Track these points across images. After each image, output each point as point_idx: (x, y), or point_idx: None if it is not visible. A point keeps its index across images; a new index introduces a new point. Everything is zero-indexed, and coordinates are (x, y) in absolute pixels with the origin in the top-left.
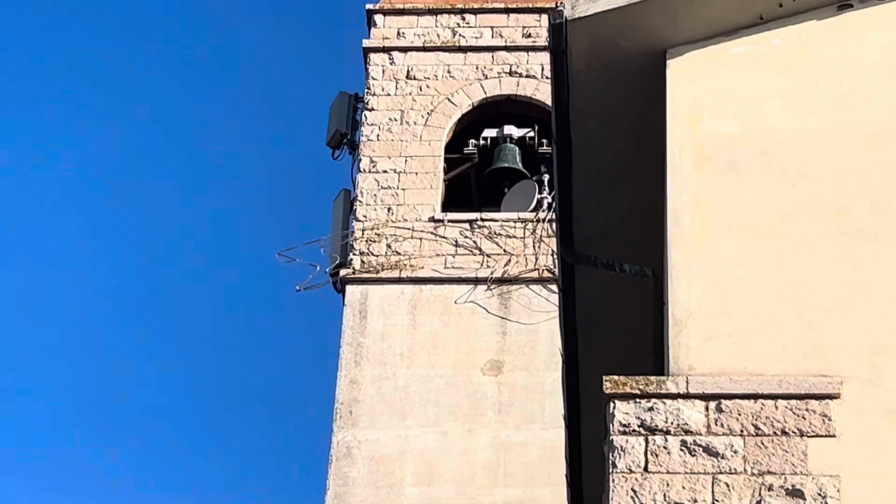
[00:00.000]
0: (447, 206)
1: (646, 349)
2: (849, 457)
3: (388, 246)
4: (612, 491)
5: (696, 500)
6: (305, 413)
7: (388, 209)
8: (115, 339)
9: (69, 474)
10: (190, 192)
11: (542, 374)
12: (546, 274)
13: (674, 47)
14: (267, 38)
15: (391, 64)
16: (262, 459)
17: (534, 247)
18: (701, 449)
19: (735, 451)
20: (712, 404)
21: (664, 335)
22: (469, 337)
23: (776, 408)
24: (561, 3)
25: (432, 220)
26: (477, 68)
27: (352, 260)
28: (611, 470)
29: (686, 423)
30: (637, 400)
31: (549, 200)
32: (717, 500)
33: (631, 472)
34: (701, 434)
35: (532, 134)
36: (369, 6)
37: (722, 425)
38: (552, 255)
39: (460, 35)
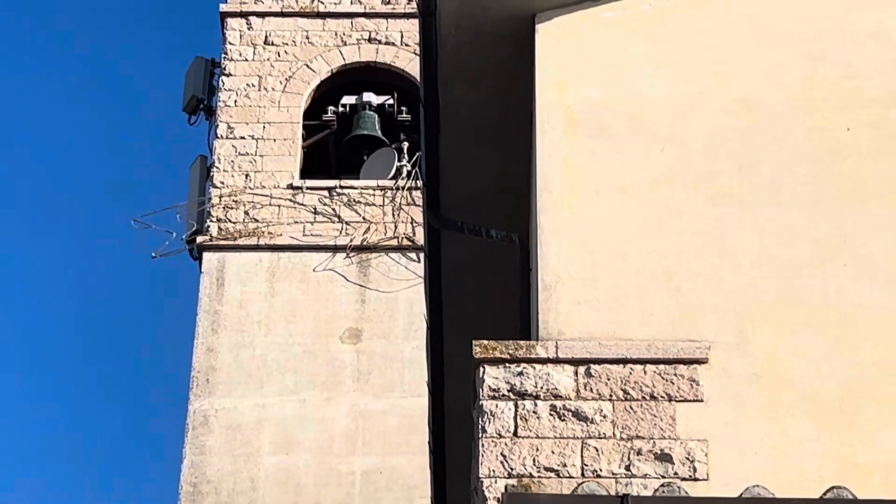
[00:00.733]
0: (306, 173)
1: (512, 315)
2: (716, 421)
3: (246, 213)
4: (482, 455)
5: (565, 465)
6: (163, 382)
7: (246, 176)
8: None
9: None
10: (43, 158)
11: (402, 343)
12: (405, 242)
13: (542, 12)
14: (121, 2)
15: (249, 29)
16: (119, 429)
17: (393, 215)
18: (570, 413)
19: (604, 416)
20: (581, 369)
21: (531, 301)
22: (328, 305)
23: (645, 373)
24: None
25: (290, 187)
26: (336, 35)
27: (209, 227)
28: (480, 435)
29: (555, 388)
30: (507, 365)
31: (409, 168)
32: (586, 465)
33: (500, 436)
34: (570, 399)
35: (391, 101)
36: None
37: (591, 390)
38: (411, 223)
39: (319, 1)
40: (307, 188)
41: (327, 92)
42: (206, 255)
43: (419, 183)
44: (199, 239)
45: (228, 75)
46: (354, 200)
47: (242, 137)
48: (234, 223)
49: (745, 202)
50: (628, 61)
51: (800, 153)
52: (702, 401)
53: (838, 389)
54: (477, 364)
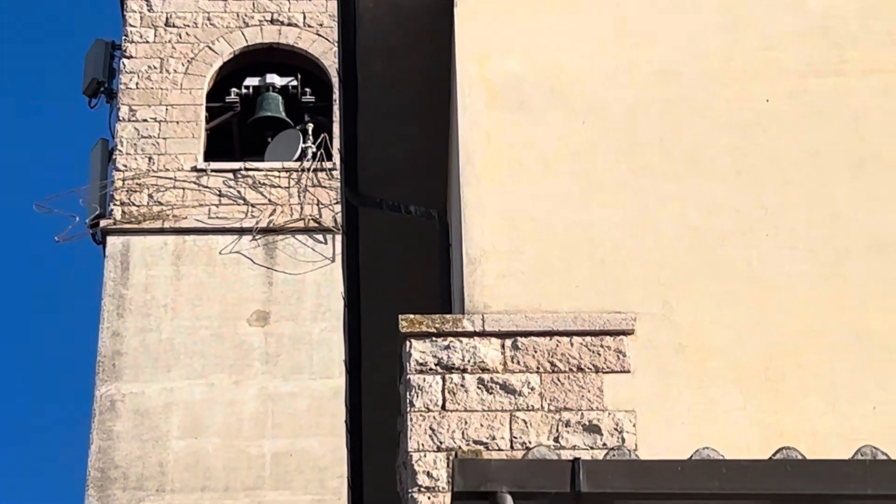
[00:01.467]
0: (210, 155)
1: (430, 292)
2: (643, 392)
3: (150, 196)
4: (411, 430)
5: (494, 438)
6: (68, 367)
7: (149, 159)
8: None
9: None
10: None
11: (310, 325)
12: (312, 224)
13: None
14: None
15: (149, 11)
16: (24, 416)
17: (299, 196)
18: (498, 386)
19: (532, 388)
20: (508, 342)
21: (452, 276)
22: (234, 287)
23: (571, 345)
24: None
25: (195, 169)
26: (238, 16)
27: (112, 210)
28: (408, 409)
29: (483, 361)
30: (433, 339)
31: (314, 150)
32: (515, 437)
33: (429, 410)
34: (498, 372)
35: (295, 83)
36: None
37: (518, 363)
38: (318, 204)
39: None
40: (212, 171)
41: (230, 74)
42: (110, 239)
43: (325, 164)
44: (103, 223)
45: (129, 57)
46: (260, 183)
47: (145, 120)
48: (138, 206)
49: (666, 174)
50: (548, 34)
51: (720, 124)
52: (629, 372)
53: (763, 358)
54: (403, 338)
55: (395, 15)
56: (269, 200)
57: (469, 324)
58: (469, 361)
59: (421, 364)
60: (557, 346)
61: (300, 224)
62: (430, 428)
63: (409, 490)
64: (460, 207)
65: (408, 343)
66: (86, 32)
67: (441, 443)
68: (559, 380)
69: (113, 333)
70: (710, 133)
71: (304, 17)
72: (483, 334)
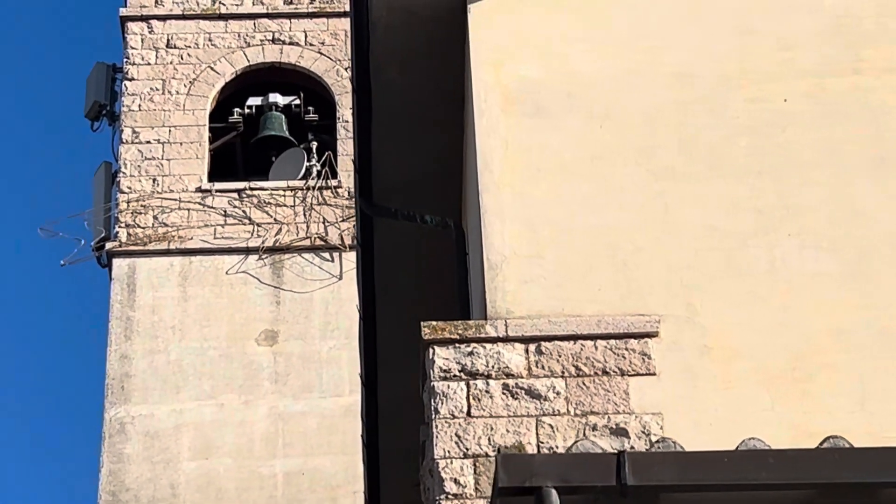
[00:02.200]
0: (214, 175)
1: (446, 301)
2: (670, 394)
3: (155, 217)
4: (437, 437)
5: (520, 443)
6: (77, 390)
7: (154, 180)
8: None
9: None
10: None
11: (318, 343)
12: (318, 242)
13: None
14: (20, 10)
15: (150, 33)
16: (35, 440)
17: (304, 215)
18: (523, 392)
19: (557, 393)
20: (532, 347)
21: (470, 283)
22: (242, 307)
23: (596, 348)
24: None
25: (199, 190)
26: (239, 36)
27: (118, 233)
28: (433, 416)
29: (507, 367)
30: (457, 345)
31: (318, 168)
32: (542, 442)
33: (454, 417)
34: (522, 377)
35: (298, 102)
36: None
37: (543, 367)
38: (323, 222)
39: (220, 2)
40: (216, 191)
41: (233, 94)
42: (116, 261)
43: (330, 182)
44: (109, 245)
45: (131, 80)
46: (265, 202)
47: (148, 142)
48: (144, 228)
49: (686, 176)
50: (563, 39)
51: (738, 125)
52: (654, 374)
53: (789, 358)
54: (426, 346)
55: (408, 23)
56: (275, 219)
57: (492, 329)
58: (493, 367)
59: (445, 371)
60: (581, 349)
61: (306, 242)
62: (456, 434)
63: (437, 497)
64: (479, 214)
65: (431, 350)
66: (86, 56)
67: (467, 449)
68: (584, 384)
69: (121, 356)
70: (729, 134)
71: (306, 36)
72: (506, 339)
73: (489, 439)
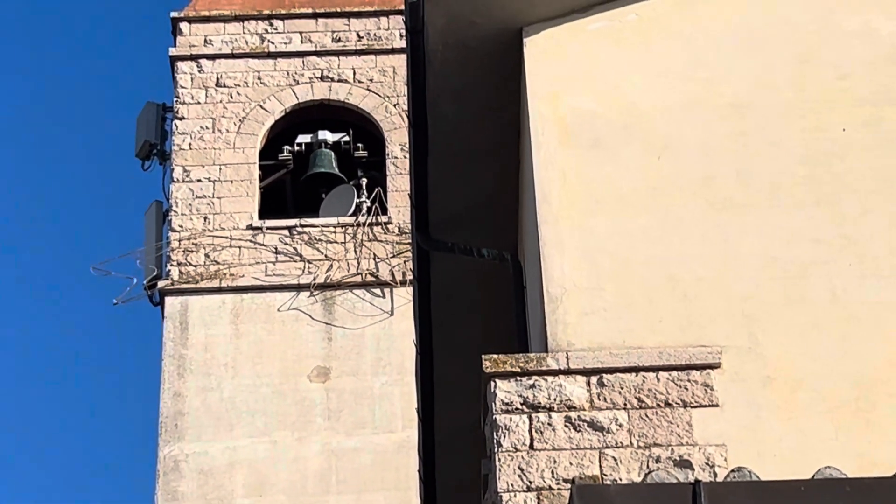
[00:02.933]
0: (264, 213)
1: (503, 335)
2: (733, 425)
3: (207, 255)
4: (499, 470)
5: (583, 476)
6: (131, 429)
7: (205, 218)
8: None
9: None
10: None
11: (370, 379)
12: (369, 278)
13: (530, 25)
14: (70, 51)
15: (200, 72)
16: (89, 479)
17: (355, 251)
18: (586, 424)
19: (620, 425)
20: (594, 379)
21: (527, 317)
22: (294, 344)
23: (658, 380)
24: None
25: (250, 227)
26: (288, 74)
27: (169, 271)
28: (496, 449)
29: (569, 399)
30: (518, 378)
31: (368, 204)
32: (605, 475)
33: (517, 450)
34: (585, 409)
35: (347, 138)
36: (174, 14)
37: (605, 399)
38: (374, 259)
39: (269, 41)
40: (267, 228)
41: (282, 131)
42: (169, 300)
43: (380, 218)
44: (161, 283)
45: (181, 119)
46: (315, 239)
47: (199, 180)
48: (195, 266)
49: (745, 206)
50: (618, 71)
51: (796, 155)
52: (717, 405)
53: (852, 388)
54: (488, 379)
55: (464, 57)
56: (326, 256)
57: (554, 362)
58: (555, 400)
59: (507, 404)
60: (644, 381)
61: (357, 279)
62: (519, 468)
63: None
64: (538, 246)
65: (492, 383)
66: (137, 95)
67: (531, 482)
68: (647, 415)
69: (174, 394)
70: (787, 164)
71: (355, 73)
72: (568, 372)
73: (552, 472)
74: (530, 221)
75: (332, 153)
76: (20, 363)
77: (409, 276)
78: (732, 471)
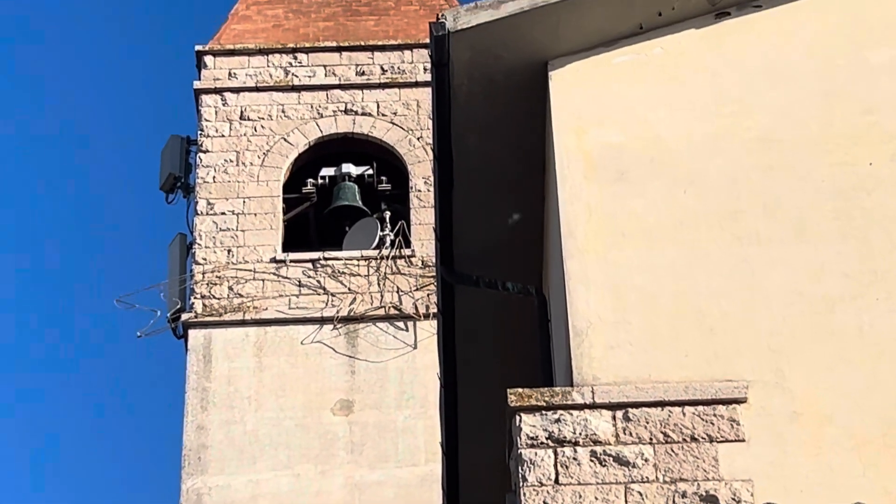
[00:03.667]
0: (288, 246)
1: (528, 369)
2: (759, 460)
3: (230, 288)
4: None
5: None
6: (154, 461)
7: (228, 251)
8: None
9: None
10: (24, 243)
11: (394, 412)
12: (392, 311)
13: (555, 59)
14: (95, 83)
15: (224, 105)
16: None
17: (379, 284)
18: (611, 459)
19: (646, 460)
20: (619, 413)
21: (552, 351)
22: (317, 377)
23: (684, 414)
24: (443, 15)
25: (274, 260)
26: (312, 107)
27: (193, 304)
28: (521, 484)
29: (594, 434)
30: (543, 412)
31: (392, 237)
32: None
33: (542, 484)
34: (610, 444)
35: (371, 171)
36: (199, 47)
37: (631, 434)
38: (397, 291)
39: (293, 74)
40: (291, 261)
41: (306, 164)
42: (192, 332)
43: (403, 251)
44: (185, 316)
45: (206, 152)
46: (339, 272)
47: (223, 213)
48: (219, 299)
49: (771, 240)
50: (644, 104)
51: (823, 189)
52: (744, 440)
53: (880, 424)
54: (512, 413)
55: (489, 90)
56: (349, 289)
57: (579, 396)
58: (580, 434)
59: (532, 438)
60: (670, 416)
61: (381, 312)
62: (544, 502)
63: None
64: (563, 280)
65: (517, 417)
66: (161, 128)
67: None
68: (673, 450)
69: (197, 427)
70: (814, 198)
71: (378, 106)
72: (593, 406)
73: None
74: (555, 255)
75: (356, 186)
76: (44, 395)
77: (433, 310)
78: None
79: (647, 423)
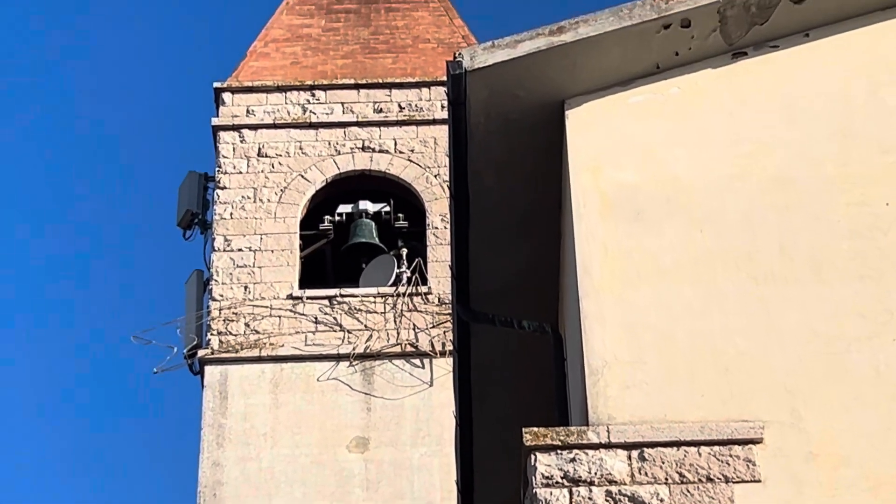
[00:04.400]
0: (305, 283)
1: (543, 407)
2: (775, 501)
3: (247, 325)
4: None
5: None
6: (170, 498)
7: (245, 287)
8: None
9: None
10: (41, 279)
11: (410, 450)
12: (409, 348)
13: (572, 98)
14: (113, 119)
15: (242, 142)
16: None
17: (395, 321)
18: (626, 499)
19: (661, 500)
20: (635, 453)
21: (567, 390)
22: (333, 414)
23: (699, 454)
24: (460, 53)
25: (290, 297)
26: (329, 144)
27: (209, 340)
28: None
29: (610, 473)
30: (558, 451)
31: (408, 275)
32: None
33: None
34: (626, 483)
35: (388, 208)
36: (217, 84)
37: (646, 474)
38: (414, 329)
39: (311, 111)
40: (307, 298)
41: (323, 201)
42: (209, 369)
43: (420, 289)
44: (201, 352)
45: (223, 188)
46: (355, 308)
47: (240, 249)
48: (235, 335)
49: (787, 280)
50: (660, 144)
51: (839, 229)
52: (759, 481)
53: None
54: (528, 452)
55: (505, 129)
56: (366, 326)
57: (594, 435)
58: (596, 474)
59: (547, 477)
60: (685, 456)
61: (397, 349)
62: None
63: None
64: (579, 319)
65: (532, 456)
66: (179, 165)
67: None
68: (688, 490)
69: (213, 463)
70: (830, 238)
71: (395, 144)
72: (609, 446)
73: None
74: (571, 294)
75: (373, 223)
76: (60, 431)
77: (449, 347)
78: None
79: (663, 462)
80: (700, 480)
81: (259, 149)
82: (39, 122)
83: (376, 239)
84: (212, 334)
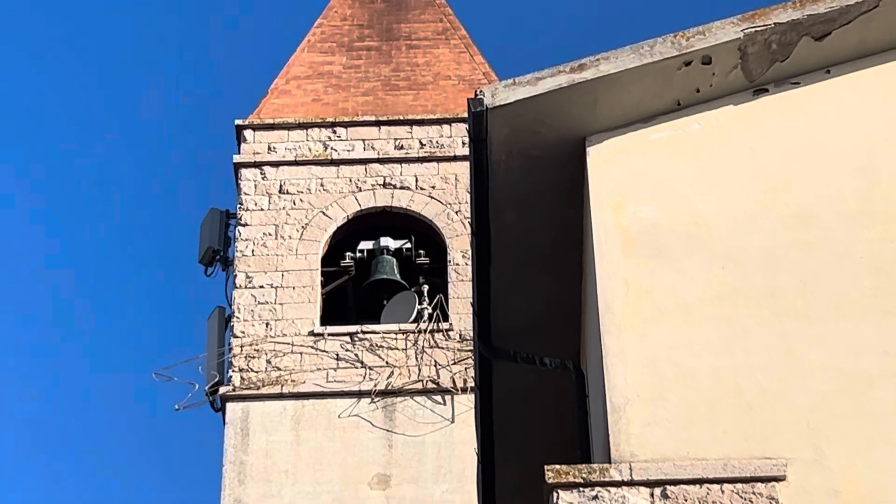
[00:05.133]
0: (326, 319)
1: (565, 444)
2: None
3: (268, 361)
4: None
5: None
6: None
7: (267, 324)
8: None
9: None
10: (64, 315)
11: (431, 486)
12: (430, 385)
13: (593, 135)
14: (135, 157)
15: (263, 179)
16: None
17: (416, 358)
18: None
19: None
20: (657, 490)
21: (589, 427)
22: (355, 451)
23: (722, 492)
24: (481, 91)
25: (312, 333)
26: (350, 181)
27: (231, 377)
28: None
29: None
30: (581, 489)
31: (430, 311)
32: None
33: None
34: None
35: (409, 245)
36: (238, 122)
37: None
38: (435, 365)
39: (332, 148)
40: (329, 334)
41: (344, 238)
42: (230, 406)
43: (441, 325)
44: (222, 389)
45: (245, 225)
46: (377, 345)
47: (261, 286)
48: (257, 372)
49: (810, 316)
50: (682, 181)
51: (862, 266)
52: None
53: None
54: (550, 489)
55: (527, 166)
56: (387, 363)
57: (617, 473)
58: None
59: None
60: (708, 493)
61: (418, 385)
62: None
63: None
64: (601, 356)
65: (555, 494)
66: (201, 202)
67: None
68: None
69: (235, 500)
70: (853, 274)
71: (417, 181)
72: (631, 483)
73: None
74: (593, 331)
75: (394, 260)
76: (81, 469)
77: (471, 384)
78: None
79: (686, 500)
80: None
81: (280, 186)
82: (63, 158)
83: (398, 275)
84: (233, 371)
